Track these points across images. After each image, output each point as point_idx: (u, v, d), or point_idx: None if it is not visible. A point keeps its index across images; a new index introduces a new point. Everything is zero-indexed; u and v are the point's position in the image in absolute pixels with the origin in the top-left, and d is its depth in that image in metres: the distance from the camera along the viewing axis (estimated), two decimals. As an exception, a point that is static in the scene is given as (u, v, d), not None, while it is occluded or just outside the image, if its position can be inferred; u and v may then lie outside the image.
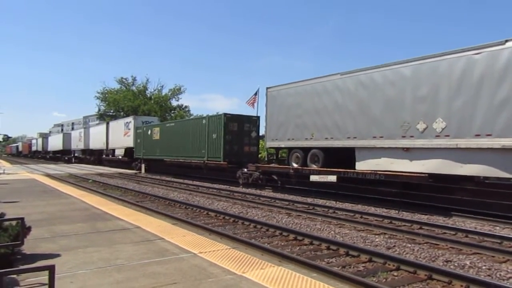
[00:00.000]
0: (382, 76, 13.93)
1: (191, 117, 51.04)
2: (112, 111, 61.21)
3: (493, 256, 7.22)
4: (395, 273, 6.04)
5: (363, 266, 6.42)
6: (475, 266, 6.45)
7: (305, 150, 17.22)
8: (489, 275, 6.03)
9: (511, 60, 10.60)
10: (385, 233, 9.20)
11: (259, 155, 24.71)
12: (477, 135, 11.22)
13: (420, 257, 7.02)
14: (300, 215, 11.74)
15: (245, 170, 20.41)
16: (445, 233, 9.31)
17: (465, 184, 12.20)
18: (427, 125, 12.42)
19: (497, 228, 10.09)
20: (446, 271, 5.80)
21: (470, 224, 10.58)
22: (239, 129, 22.30)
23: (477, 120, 11.23)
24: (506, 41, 10.77)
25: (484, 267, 6.37)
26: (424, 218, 11.34)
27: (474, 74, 11.36)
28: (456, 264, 6.59)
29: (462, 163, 11.62)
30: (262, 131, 22.90)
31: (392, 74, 13.60)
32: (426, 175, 12.34)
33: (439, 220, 11.10)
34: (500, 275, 6.03)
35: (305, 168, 16.84)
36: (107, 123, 43.73)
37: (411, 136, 12.84)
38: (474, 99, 11.34)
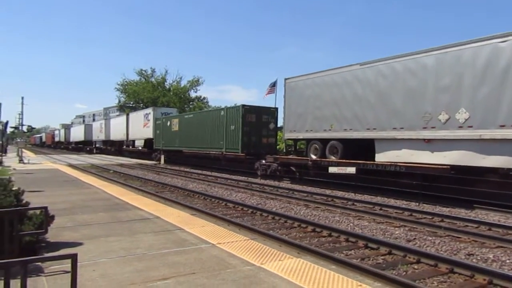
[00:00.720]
0: (403, 66, 13.64)
1: (209, 108, 51.21)
2: (131, 102, 62.00)
3: (517, 250, 7.04)
4: (416, 266, 5.96)
5: (382, 259, 6.36)
6: (498, 259, 6.32)
7: (324, 141, 17.09)
8: (513, 270, 5.89)
9: (539, 48, 10.22)
10: (405, 226, 9.07)
11: (277, 147, 24.65)
12: (502, 126, 10.91)
13: (441, 250, 6.91)
14: (318, 207, 11.69)
15: (263, 161, 20.41)
16: (467, 226, 9.13)
17: (489, 176, 11.90)
18: (449, 115, 12.14)
19: (522, 221, 9.83)
20: (468, 265, 5.69)
21: (493, 217, 10.34)
22: (257, 120, 22.27)
23: (503, 110, 10.91)
24: (534, 28, 10.37)
25: (508, 261, 6.23)
26: (445, 210, 11.15)
27: (499, 62, 11.01)
28: (478, 258, 6.47)
29: (486, 154, 11.33)
30: (280, 123, 22.85)
31: (413, 64, 13.31)
32: (448, 167, 12.09)
33: (461, 212, 10.89)
34: (525, 269, 5.88)
35: (324, 159, 16.72)
36: (127, 115, 44.28)
37: (433, 127, 12.58)
38: (499, 89, 11.00)
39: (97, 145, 57.03)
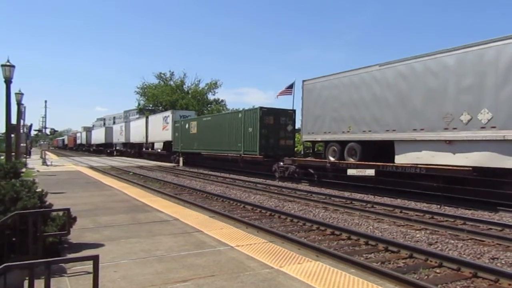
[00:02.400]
0: (423, 66, 13.43)
1: (228, 111, 51.43)
2: (151, 105, 62.81)
3: (544, 255, 6.83)
4: (438, 270, 5.84)
5: (403, 262, 6.26)
6: (524, 264, 6.13)
7: (342, 143, 16.95)
8: (540, 275, 5.71)
9: None
10: (426, 229, 8.91)
11: (295, 149, 24.58)
12: (527, 127, 10.60)
13: (464, 254, 6.76)
14: (337, 210, 11.59)
15: (281, 163, 20.37)
16: (490, 229, 8.90)
17: (514, 178, 11.60)
18: (471, 116, 11.87)
19: (549, 225, 9.52)
20: (492, 269, 5.55)
21: (518, 220, 10.06)
22: (275, 122, 22.26)
23: (527, 111, 10.60)
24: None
25: (534, 266, 6.04)
26: (468, 213, 10.90)
27: (524, 62, 10.71)
28: (503, 262, 6.31)
29: (510, 155, 11.04)
30: (298, 125, 22.77)
31: (434, 64, 13.08)
32: (470, 168, 11.81)
33: (484, 215, 10.63)
34: (552, 275, 5.70)
35: (342, 161, 16.58)
36: (147, 117, 44.89)
37: (454, 128, 12.33)
38: (523, 89, 10.70)
39: (117, 148, 57.95)
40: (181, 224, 7.52)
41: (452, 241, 7.60)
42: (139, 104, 64.57)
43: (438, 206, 11.94)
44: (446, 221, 9.82)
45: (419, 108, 13.47)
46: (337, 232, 8.19)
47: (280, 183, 18.71)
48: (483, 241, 7.79)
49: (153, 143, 41.76)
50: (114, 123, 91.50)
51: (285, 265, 4.95)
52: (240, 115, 24.18)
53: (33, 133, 45.70)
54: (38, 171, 21.99)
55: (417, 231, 8.60)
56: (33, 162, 30.96)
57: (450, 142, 12.51)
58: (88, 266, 3.79)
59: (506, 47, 11.15)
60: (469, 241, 7.79)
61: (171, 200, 12.27)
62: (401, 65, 14.25)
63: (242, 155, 23.62)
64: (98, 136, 67.87)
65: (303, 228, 8.90)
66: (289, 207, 11.87)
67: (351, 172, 15.56)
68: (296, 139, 24.07)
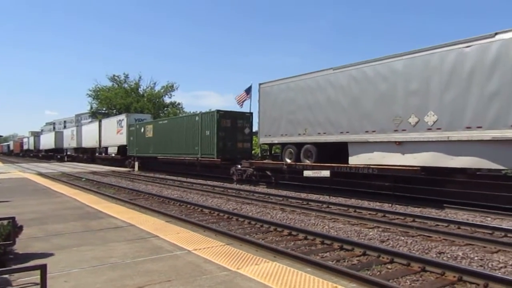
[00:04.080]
0: (374, 70, 13.97)
1: (185, 114, 50.85)
2: (104, 109, 60.82)
3: (484, 247, 7.30)
4: (389, 266, 6.08)
5: (357, 260, 6.46)
6: (467, 257, 6.52)
7: (299, 145, 17.25)
8: (481, 266, 6.10)
9: (501, 53, 10.68)
10: (378, 227, 9.26)
11: (253, 151, 24.71)
12: (468, 128, 11.31)
13: (413, 250, 7.08)
14: (294, 211, 11.77)
15: (239, 166, 20.40)
16: (438, 225, 9.40)
17: (457, 176, 12.32)
18: (419, 118, 12.49)
19: (488, 219, 10.21)
20: (439, 263, 5.85)
21: (462, 215, 10.70)
22: (232, 125, 22.28)
23: (468, 113, 11.32)
24: (496, 33, 10.85)
25: (476, 258, 6.44)
26: (417, 211, 11.44)
27: (464, 67, 11.43)
28: (449, 256, 6.66)
29: (453, 155, 11.72)
30: (255, 127, 22.92)
31: (384, 69, 13.64)
32: (419, 168, 12.42)
33: (432, 212, 11.21)
34: (492, 265, 6.11)
35: (299, 163, 16.87)
36: (100, 121, 43.43)
37: (403, 130, 12.91)
38: (465, 92, 11.42)
39: (68, 153, 55.77)
40: (136, 230, 7.34)
41: (403, 238, 7.94)
42: (91, 108, 62.35)
43: (390, 205, 12.44)
44: (397, 219, 10.25)
45: (371, 111, 13.99)
46: (294, 233, 8.32)
47: (238, 186, 18.72)
48: (431, 237, 8.20)
49: (106, 148, 40.48)
50: (64, 127, 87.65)
51: (243, 267, 4.96)
52: (197, 118, 23.98)
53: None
54: (-20, 178, 20.61)
55: (370, 229, 8.91)
56: (-25, 169, 28.98)
57: (399, 143, 13.08)
58: (36, 276, 3.61)
59: (449, 53, 11.84)
60: (418, 237, 8.18)
61: (126, 205, 11.94)
62: (353, 69, 14.74)
63: (200, 158, 23.43)
64: (47, 141, 64.81)
65: (261, 230, 8.96)
66: (247, 210, 11.91)
67: (307, 173, 15.85)
68: (253, 142, 24.20)
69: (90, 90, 60.72)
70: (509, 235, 8.31)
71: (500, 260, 6.29)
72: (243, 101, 27.37)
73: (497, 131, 10.70)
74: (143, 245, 6.13)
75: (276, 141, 18.93)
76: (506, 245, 7.28)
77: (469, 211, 11.09)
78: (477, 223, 9.33)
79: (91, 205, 10.75)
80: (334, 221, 9.99)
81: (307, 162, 16.60)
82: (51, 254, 5.58)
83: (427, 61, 12.36)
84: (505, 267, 6.02)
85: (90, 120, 63.29)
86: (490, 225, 9.10)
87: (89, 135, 44.76)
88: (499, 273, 5.67)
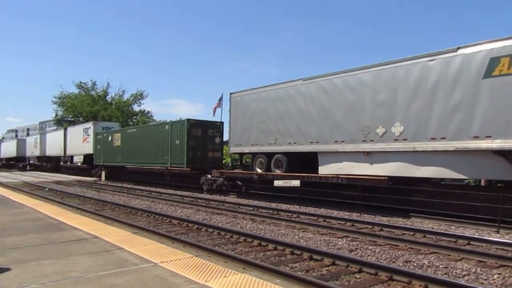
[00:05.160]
0: (343, 81, 14.23)
1: (154, 122, 50.08)
2: (70, 116, 59.03)
3: (449, 255, 7.48)
4: (358, 276, 6.11)
5: (326, 270, 6.46)
6: (433, 265, 6.65)
7: (269, 155, 17.28)
8: (446, 274, 6.23)
9: (463, 67, 11.13)
10: (347, 236, 9.33)
11: (223, 161, 24.56)
12: (433, 139, 11.67)
13: (381, 259, 7.16)
14: (264, 221, 11.72)
15: (209, 176, 20.20)
16: (404, 234, 9.58)
17: (423, 186, 12.65)
18: (386, 129, 12.79)
19: (452, 227, 10.52)
20: (405, 272, 5.93)
21: (427, 224, 10.96)
22: (202, 134, 22.09)
23: (433, 124, 11.69)
24: (458, 48, 11.30)
25: (441, 266, 6.58)
26: (384, 220, 11.64)
27: (429, 80, 11.83)
28: (415, 264, 6.78)
29: (419, 165, 12.04)
30: (226, 137, 22.83)
31: (352, 80, 13.93)
32: (386, 178, 12.68)
33: (399, 221, 11.43)
34: (456, 273, 6.25)
35: (269, 173, 16.89)
36: (65, 129, 42.13)
37: (371, 140, 13.18)
38: (429, 104, 11.79)
39: (31, 162, 53.75)
40: (101, 242, 7.07)
41: (371, 247, 8.03)
42: (56, 115, 60.33)
43: (358, 214, 12.61)
44: (365, 228, 10.39)
45: (340, 121, 14.22)
46: (264, 243, 8.25)
47: (208, 196, 18.51)
48: (398, 245, 8.34)
49: (72, 156, 39.27)
50: (28, 134, 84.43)
51: (211, 279, 4.85)
52: (167, 127, 23.64)
53: None
54: None
55: (339, 239, 8.97)
56: None
57: (368, 153, 13.33)
58: (-12, 294, 3.38)
59: (414, 66, 12.23)
60: (386, 246, 8.30)
61: (91, 216, 11.53)
62: (323, 80, 14.97)
63: (169, 167, 23.06)
64: (8, 149, 62.20)
65: (231, 240, 8.84)
66: (217, 220, 11.76)
67: (277, 183, 15.88)
68: (224, 151, 24.08)
69: (56, 97, 58.81)
70: (472, 243, 8.58)
71: (464, 268, 6.45)
72: (215, 109, 27.35)
73: (460, 142, 11.08)
74: (107, 258, 5.90)
75: (246, 151, 18.90)
76: (469, 253, 7.49)
77: (434, 220, 11.39)
78: (442, 231, 9.58)
79: (53, 216, 10.31)
80: (304, 231, 10.00)
81: (278, 171, 16.64)
82: (7, 269, 5.27)
83: (394, 73, 12.71)
84: (469, 274, 6.17)
85: (55, 127, 61.21)
86: (454, 233, 9.37)
87: (54, 143, 43.35)
88: (463, 281, 5.81)
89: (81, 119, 55.49)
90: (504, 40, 10.40)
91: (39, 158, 49.79)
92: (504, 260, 6.96)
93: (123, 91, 60.09)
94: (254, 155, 18.46)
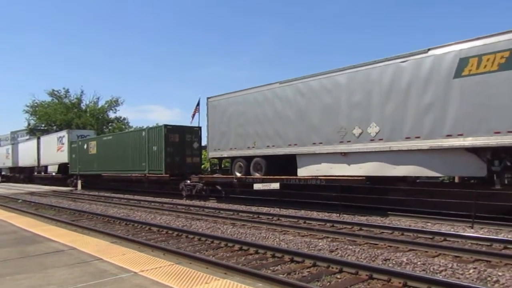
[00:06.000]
0: (319, 84, 14.40)
1: (131, 129, 49.38)
2: (43, 125, 57.54)
3: (426, 251, 7.65)
4: (339, 276, 6.17)
5: (307, 271, 6.50)
6: (411, 262, 6.78)
7: (248, 159, 17.29)
8: (424, 270, 6.37)
9: (434, 68, 11.44)
10: (327, 237, 9.42)
11: (202, 166, 24.41)
12: (408, 138, 11.94)
13: (361, 258, 7.26)
14: (245, 225, 11.70)
15: (188, 181, 20.04)
16: (383, 232, 9.74)
17: (399, 185, 12.91)
18: (362, 130, 13.00)
19: (429, 224, 10.75)
20: (385, 270, 6.03)
21: (405, 222, 11.19)
22: (180, 140, 21.90)
23: (407, 124, 11.95)
24: (429, 49, 11.62)
25: (419, 263, 6.71)
26: (363, 219, 11.80)
27: (402, 80, 12.10)
28: (394, 262, 6.89)
29: (395, 164, 12.29)
30: (204, 142, 22.70)
31: (328, 82, 14.11)
32: (364, 177, 12.88)
33: (377, 220, 11.61)
34: (433, 269, 6.39)
35: (249, 176, 16.89)
36: (38, 138, 41.04)
37: (348, 141, 13.36)
38: (403, 104, 12.06)
39: (3, 173, 52.10)
40: (78, 253, 6.90)
41: (351, 247, 8.12)
42: (29, 124, 58.68)
43: (338, 215, 12.74)
44: (345, 228, 10.51)
45: (317, 123, 14.37)
46: (245, 247, 8.23)
47: (187, 202, 18.36)
48: (377, 244, 8.47)
49: (46, 166, 38.25)
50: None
51: (193, 286, 4.80)
52: (143, 133, 23.35)
53: None
54: None
55: (320, 240, 9.04)
56: None
57: (345, 154, 13.51)
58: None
59: (388, 68, 12.50)
60: (365, 245, 8.42)
61: (68, 227, 11.26)
62: (299, 83, 15.11)
63: (147, 174, 22.76)
64: (-22, 161, 60.06)
65: (211, 246, 8.79)
66: (197, 226, 11.66)
67: (257, 186, 15.89)
68: (203, 156, 23.95)
69: (27, 106, 57.25)
70: (448, 239, 8.80)
71: (441, 264, 6.60)
72: (193, 115, 27.12)
73: (433, 141, 11.37)
74: (85, 269, 5.77)
75: (225, 155, 18.85)
76: (445, 248, 7.69)
77: (411, 218, 11.63)
78: (419, 228, 9.79)
79: (28, 228, 10.01)
80: (284, 234, 10.03)
81: (257, 175, 16.66)
82: (-20, 286, 5.09)
83: (368, 74, 12.95)
84: (445, 270, 6.32)
85: (27, 137, 59.53)
86: (430, 230, 9.58)
87: (27, 153, 42.16)
88: (440, 277, 5.95)
89: (54, 127, 54.18)
90: (472, 41, 10.76)
91: (11, 169, 48.36)
92: (478, 255, 7.18)
93: (98, 98, 59.04)
94: (233, 159, 18.43)
